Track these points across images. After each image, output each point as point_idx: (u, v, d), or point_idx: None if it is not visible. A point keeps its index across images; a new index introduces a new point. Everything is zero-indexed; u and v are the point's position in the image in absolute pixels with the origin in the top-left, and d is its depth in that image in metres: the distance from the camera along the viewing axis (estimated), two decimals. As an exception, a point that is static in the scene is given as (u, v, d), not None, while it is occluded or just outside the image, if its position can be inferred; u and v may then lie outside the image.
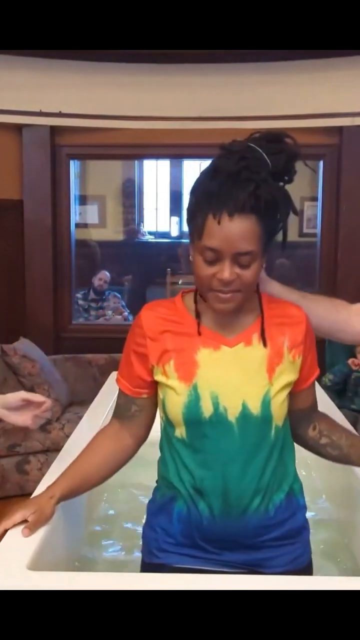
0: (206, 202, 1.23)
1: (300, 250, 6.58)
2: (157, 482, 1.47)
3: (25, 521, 1.37)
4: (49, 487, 1.42)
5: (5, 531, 1.37)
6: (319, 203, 4.74)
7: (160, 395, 1.39)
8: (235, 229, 1.22)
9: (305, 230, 6.66)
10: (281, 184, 1.30)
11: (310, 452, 1.53)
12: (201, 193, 1.26)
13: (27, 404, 1.65)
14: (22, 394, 1.66)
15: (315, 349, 1.46)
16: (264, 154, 1.26)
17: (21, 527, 1.36)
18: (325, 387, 3.78)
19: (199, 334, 1.35)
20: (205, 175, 1.28)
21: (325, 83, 4.34)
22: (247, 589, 1.16)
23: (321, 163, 4.66)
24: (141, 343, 1.37)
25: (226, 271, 1.24)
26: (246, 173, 1.22)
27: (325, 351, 4.29)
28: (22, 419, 1.64)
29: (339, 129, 4.44)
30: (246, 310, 1.37)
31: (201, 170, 1.32)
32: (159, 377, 1.37)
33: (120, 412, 1.46)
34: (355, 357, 4.08)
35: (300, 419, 1.47)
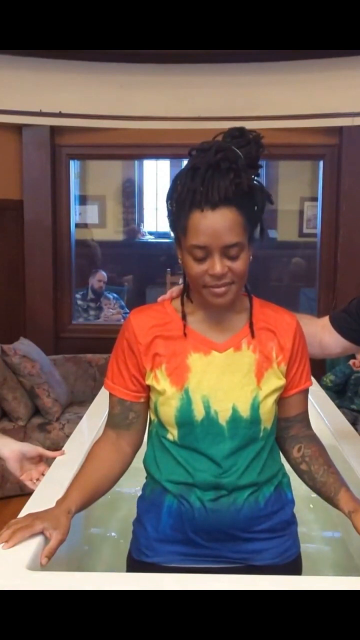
0: (189, 200, 1.25)
1: (300, 250, 6.59)
2: (146, 478, 1.48)
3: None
4: (61, 501, 1.34)
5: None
6: (319, 203, 4.74)
7: (153, 398, 1.40)
8: (219, 222, 1.24)
9: (305, 230, 6.66)
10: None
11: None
12: (182, 193, 1.27)
13: (39, 459, 1.67)
14: (40, 450, 1.67)
15: (307, 359, 1.45)
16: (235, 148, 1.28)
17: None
18: (326, 388, 3.79)
19: (185, 335, 1.36)
20: (182, 177, 1.28)
21: (325, 83, 4.34)
22: (244, 589, 1.16)
23: (321, 163, 4.66)
24: (134, 348, 1.38)
25: (217, 265, 1.26)
26: (225, 163, 1.24)
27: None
28: (25, 475, 1.64)
29: (339, 129, 4.44)
30: (235, 312, 1.39)
31: (172, 178, 1.33)
32: (150, 381, 1.38)
33: (117, 422, 1.44)
34: (355, 358, 4.08)
35: (287, 430, 1.46)
